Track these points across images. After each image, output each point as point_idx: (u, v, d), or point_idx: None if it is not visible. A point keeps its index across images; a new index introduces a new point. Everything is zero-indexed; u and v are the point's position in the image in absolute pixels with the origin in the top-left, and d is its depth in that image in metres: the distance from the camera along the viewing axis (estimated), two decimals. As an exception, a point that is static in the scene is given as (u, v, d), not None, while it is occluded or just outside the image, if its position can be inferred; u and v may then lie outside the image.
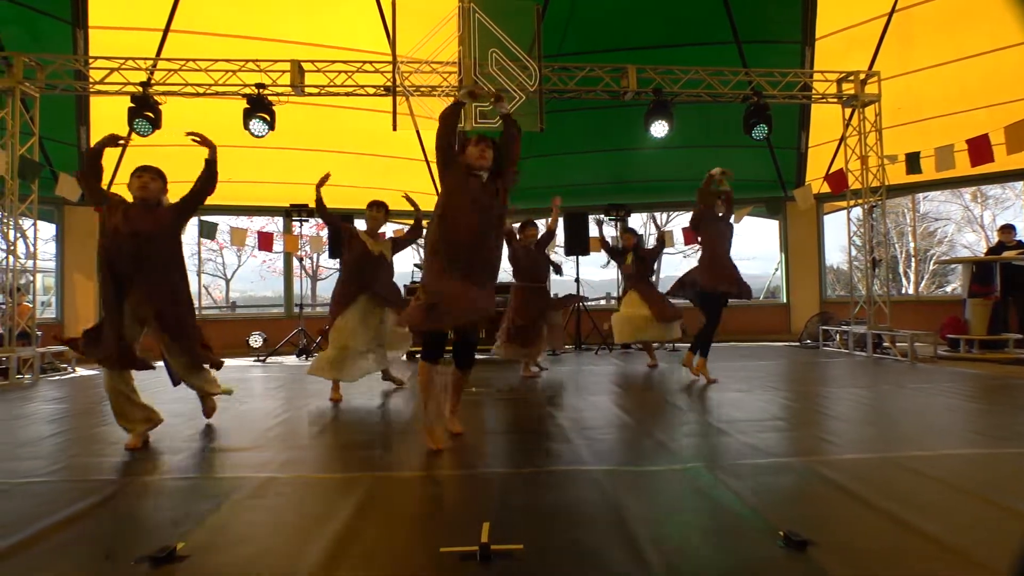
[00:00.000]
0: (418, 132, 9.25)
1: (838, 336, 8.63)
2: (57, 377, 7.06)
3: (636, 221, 19.14)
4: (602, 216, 9.79)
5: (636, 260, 6.97)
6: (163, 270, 3.48)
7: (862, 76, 8.06)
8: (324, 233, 11.31)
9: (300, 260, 10.63)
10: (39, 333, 7.41)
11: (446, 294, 3.04)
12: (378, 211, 5.09)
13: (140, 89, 6.98)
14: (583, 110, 9.61)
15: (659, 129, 7.63)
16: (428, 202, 11.56)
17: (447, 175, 3.22)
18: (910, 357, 6.90)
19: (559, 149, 9.96)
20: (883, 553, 1.86)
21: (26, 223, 7.17)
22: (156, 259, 3.45)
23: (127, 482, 2.73)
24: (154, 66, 7.33)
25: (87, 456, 3.23)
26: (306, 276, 19.96)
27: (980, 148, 7.20)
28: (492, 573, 1.76)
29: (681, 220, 19.31)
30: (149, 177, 3.68)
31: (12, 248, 6.91)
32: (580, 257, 9.77)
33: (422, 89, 7.25)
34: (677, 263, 22.91)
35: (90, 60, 7.38)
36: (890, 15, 8.52)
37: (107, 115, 8.60)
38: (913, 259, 18.88)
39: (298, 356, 8.91)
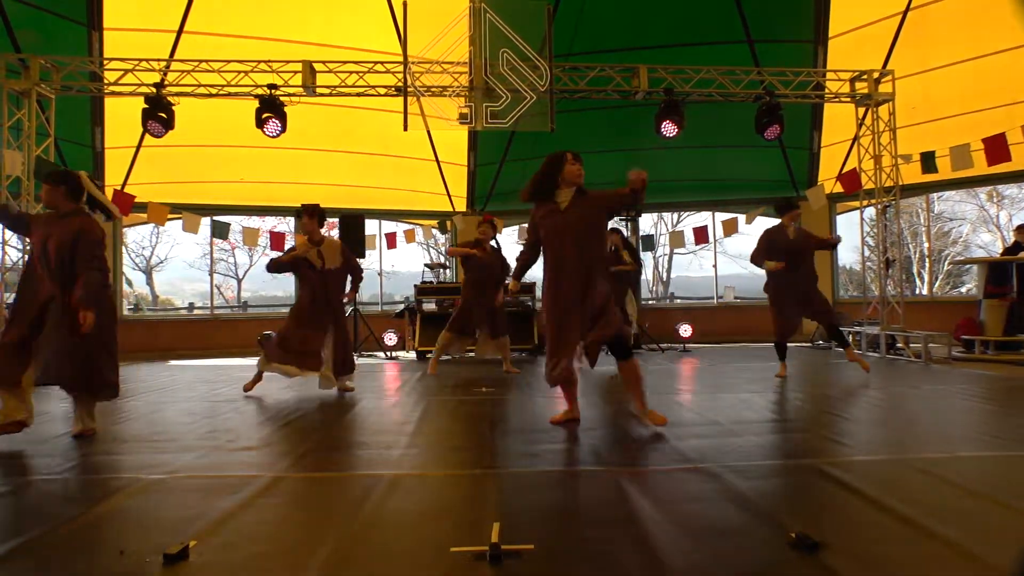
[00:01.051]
0: (429, 132, 9.26)
1: (850, 337, 8.56)
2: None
3: (646, 221, 19.06)
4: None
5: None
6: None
7: (876, 75, 7.98)
8: (335, 233, 11.36)
9: (311, 260, 10.67)
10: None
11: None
12: (310, 219, 5.06)
13: (154, 90, 7.05)
14: (594, 110, 9.59)
15: (670, 129, 7.60)
16: (439, 202, 11.56)
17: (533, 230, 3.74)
18: (924, 358, 6.83)
19: (569, 149, 9.92)
20: (897, 557, 1.84)
21: (42, 223, 7.25)
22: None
23: (139, 480, 2.75)
24: (167, 67, 7.40)
25: (100, 454, 3.26)
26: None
27: (997, 147, 7.12)
28: (503, 573, 1.76)
29: (692, 220, 19.22)
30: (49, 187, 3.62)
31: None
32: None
33: (433, 89, 7.26)
34: (687, 263, 22.83)
35: (105, 62, 7.47)
36: (905, 13, 8.44)
37: (121, 116, 8.69)
38: (927, 259, 18.69)
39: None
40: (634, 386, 3.61)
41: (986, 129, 7.56)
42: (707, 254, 21.05)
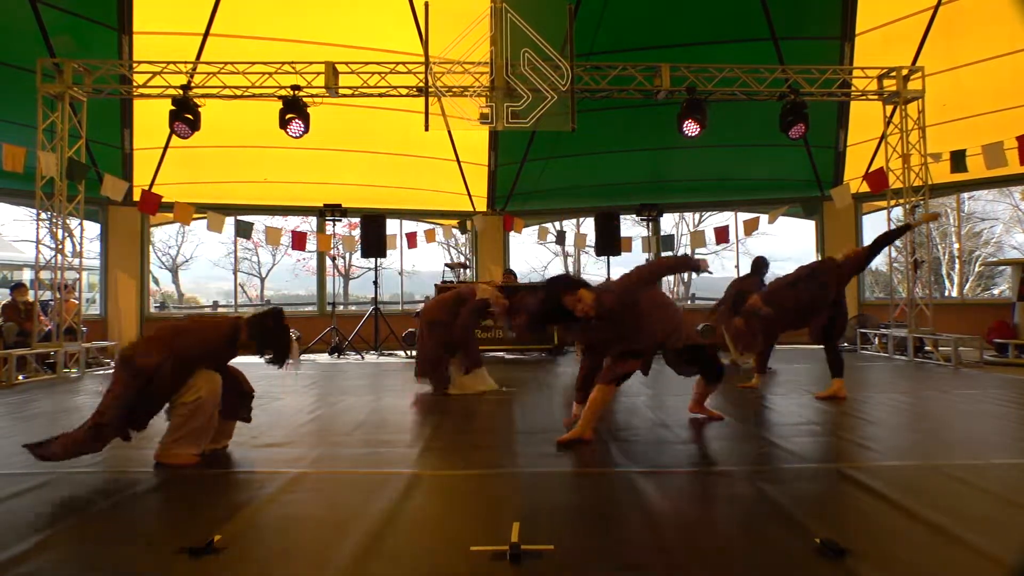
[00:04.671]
0: (450, 132, 9.29)
1: (877, 339, 8.39)
2: (101, 372, 7.30)
3: (668, 221, 18.89)
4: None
5: None
6: None
7: (904, 72, 7.80)
8: (356, 233, 11.45)
9: (333, 259, 10.77)
10: (84, 329, 7.67)
11: None
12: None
13: (181, 92, 7.18)
14: (615, 109, 9.53)
15: (692, 128, 7.52)
16: (459, 201, 11.57)
17: None
18: (954, 362, 6.66)
19: (591, 148, 9.89)
20: (926, 566, 1.79)
21: (72, 223, 7.43)
22: None
23: (166, 474, 2.80)
24: (194, 69, 7.53)
25: (129, 448, 3.32)
26: (339, 275, 20.24)
27: (1032, 145, 6.91)
28: (522, 573, 1.76)
29: (714, 220, 19.00)
30: None
31: (60, 247, 7.17)
32: (611, 258, 9.69)
33: (454, 90, 7.28)
34: (709, 263, 22.55)
35: (134, 64, 7.62)
36: (936, 8, 8.24)
37: (149, 118, 8.86)
38: (957, 260, 18.22)
39: (330, 354, 9.04)
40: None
41: (1020, 127, 7.35)
42: (729, 255, 20.76)
